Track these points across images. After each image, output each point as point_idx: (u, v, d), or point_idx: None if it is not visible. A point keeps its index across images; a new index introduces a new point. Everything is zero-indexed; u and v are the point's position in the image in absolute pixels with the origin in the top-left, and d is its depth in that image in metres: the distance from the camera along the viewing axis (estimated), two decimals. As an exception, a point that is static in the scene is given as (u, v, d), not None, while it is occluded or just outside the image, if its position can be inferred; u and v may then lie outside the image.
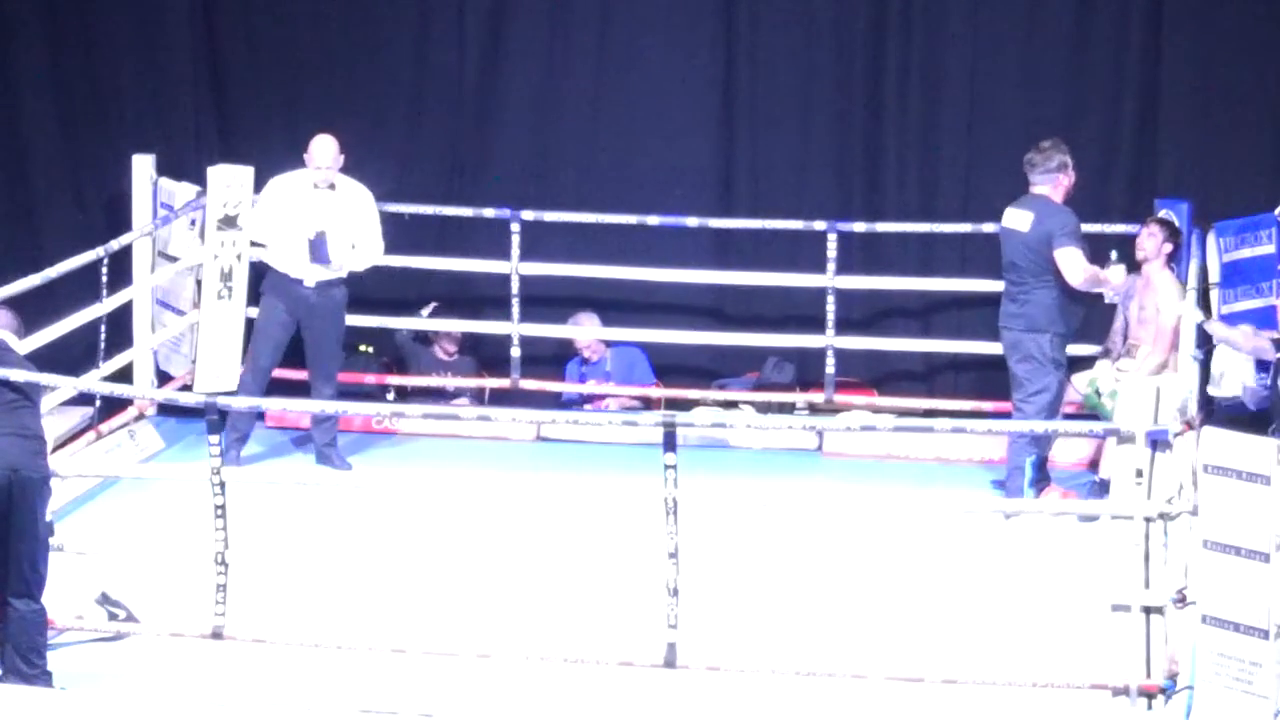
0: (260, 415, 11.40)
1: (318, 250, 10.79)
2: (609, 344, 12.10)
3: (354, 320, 11.85)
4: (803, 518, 9.41)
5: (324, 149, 10.88)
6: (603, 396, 11.98)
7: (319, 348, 10.97)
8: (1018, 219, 10.34)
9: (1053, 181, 10.33)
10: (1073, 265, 10.18)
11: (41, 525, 7.86)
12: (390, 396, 12.17)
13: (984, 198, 11.64)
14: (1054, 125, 11.65)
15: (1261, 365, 10.09)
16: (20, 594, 7.78)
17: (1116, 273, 10.42)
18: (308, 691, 7.94)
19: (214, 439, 8.26)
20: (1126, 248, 10.65)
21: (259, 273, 11.20)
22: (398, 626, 8.32)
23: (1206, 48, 11.61)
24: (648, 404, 11.92)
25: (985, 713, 7.82)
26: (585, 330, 12.00)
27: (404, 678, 8.04)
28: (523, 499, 9.55)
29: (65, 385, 9.00)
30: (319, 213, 10.86)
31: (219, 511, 8.22)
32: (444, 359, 12.23)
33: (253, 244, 11.24)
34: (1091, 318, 10.70)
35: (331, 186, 10.90)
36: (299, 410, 11.15)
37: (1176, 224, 10.61)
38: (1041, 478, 10.26)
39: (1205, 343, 10.29)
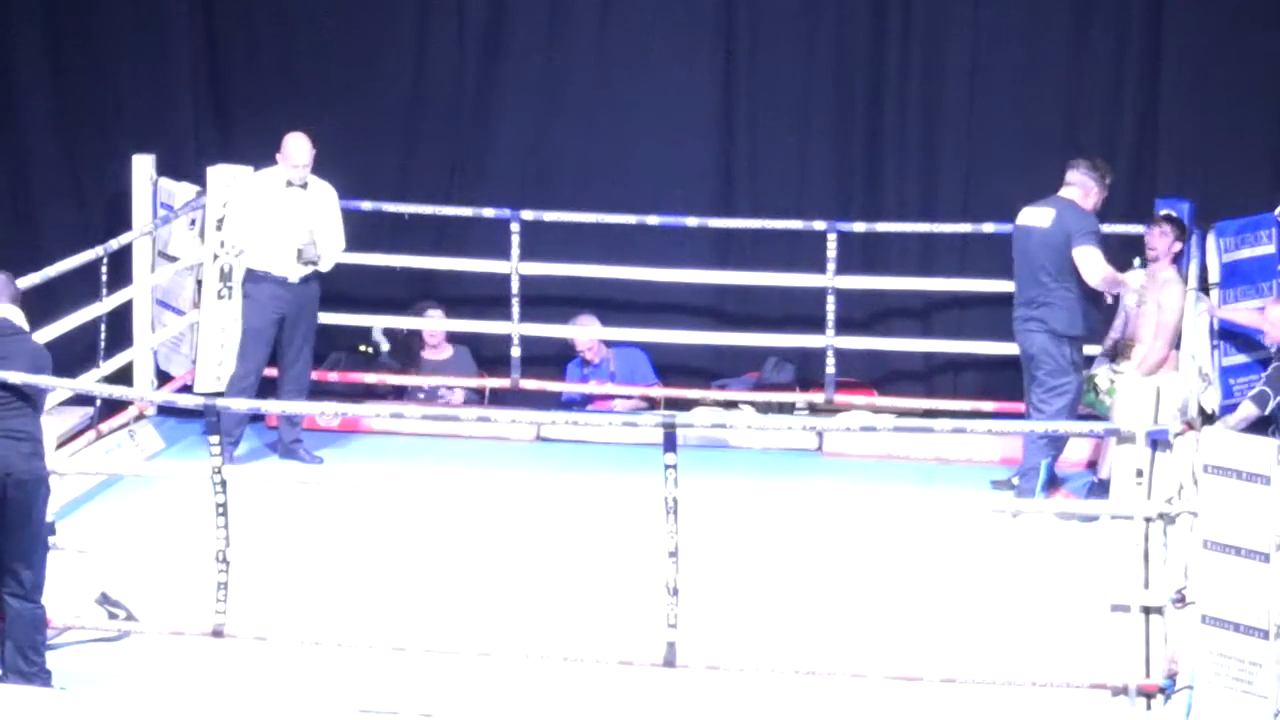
0: (260, 416, 11.40)
1: (308, 253, 10.80)
2: (610, 345, 12.09)
3: (353, 320, 11.85)
4: (803, 518, 9.41)
5: (300, 147, 10.87)
6: (605, 398, 11.98)
7: (296, 345, 10.97)
8: (1038, 216, 10.29)
9: (1085, 187, 10.27)
10: (1092, 265, 10.12)
11: (40, 526, 7.86)
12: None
13: (984, 198, 11.65)
14: (1054, 125, 11.69)
15: (1249, 367, 10.14)
16: (18, 595, 7.79)
17: (1135, 277, 10.31)
18: (308, 691, 7.94)
19: (214, 439, 8.28)
20: (1134, 247, 10.63)
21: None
22: (398, 626, 8.33)
23: (1206, 48, 11.60)
24: (653, 404, 11.91)
25: (985, 713, 7.82)
26: (586, 330, 11.99)
27: (404, 677, 8.04)
28: (522, 499, 9.55)
29: (65, 388, 8.99)
30: (293, 211, 10.86)
31: (220, 510, 8.23)
32: (437, 359, 12.17)
33: (223, 244, 11.22)
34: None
35: (304, 185, 10.90)
36: (298, 411, 11.15)
37: (1184, 222, 10.60)
38: (1051, 480, 10.23)
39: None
